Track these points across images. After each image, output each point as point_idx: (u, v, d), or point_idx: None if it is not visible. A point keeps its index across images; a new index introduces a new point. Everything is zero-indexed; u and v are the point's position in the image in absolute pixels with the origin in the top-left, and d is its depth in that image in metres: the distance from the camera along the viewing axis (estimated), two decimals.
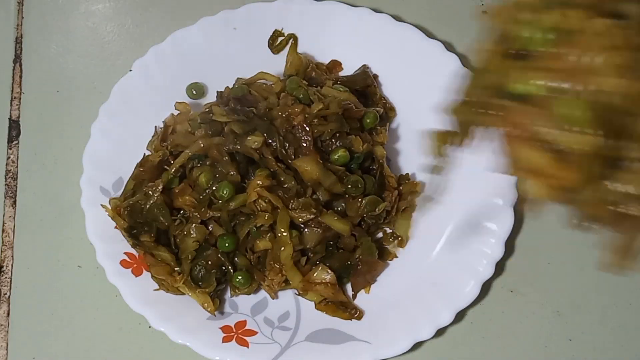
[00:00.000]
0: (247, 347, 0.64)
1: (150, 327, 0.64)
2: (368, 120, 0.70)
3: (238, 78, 0.73)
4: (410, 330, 0.64)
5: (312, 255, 0.66)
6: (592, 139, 0.40)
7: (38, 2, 0.83)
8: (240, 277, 0.65)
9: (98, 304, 0.68)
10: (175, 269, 0.65)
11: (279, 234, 0.64)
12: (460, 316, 0.66)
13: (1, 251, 0.70)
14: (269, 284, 0.66)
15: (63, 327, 0.67)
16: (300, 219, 0.64)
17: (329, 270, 0.65)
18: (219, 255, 0.65)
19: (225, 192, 0.65)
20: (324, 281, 0.65)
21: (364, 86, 0.74)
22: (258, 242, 0.65)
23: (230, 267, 0.65)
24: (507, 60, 0.43)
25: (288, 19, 0.76)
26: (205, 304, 0.64)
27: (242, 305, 0.67)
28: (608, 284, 0.70)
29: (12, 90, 0.78)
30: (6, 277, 0.69)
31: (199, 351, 0.63)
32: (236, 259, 0.66)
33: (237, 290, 0.66)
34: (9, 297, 0.68)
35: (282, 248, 0.64)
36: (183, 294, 0.65)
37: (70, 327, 0.67)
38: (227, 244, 0.65)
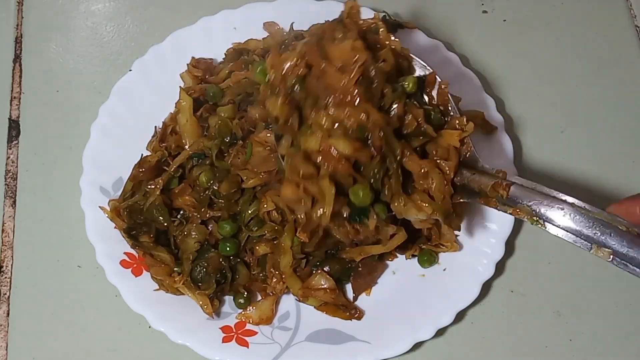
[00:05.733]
0: (247, 347, 0.64)
1: (150, 327, 0.64)
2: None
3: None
4: (410, 330, 0.64)
5: (312, 257, 0.66)
6: None
7: (38, 2, 0.83)
8: (241, 301, 0.66)
9: (98, 304, 0.68)
10: (175, 269, 0.65)
11: (282, 243, 0.64)
12: (460, 316, 0.66)
13: (1, 251, 0.70)
14: (272, 291, 0.66)
15: (63, 327, 0.67)
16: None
17: (327, 277, 0.65)
18: (220, 260, 0.65)
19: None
20: (323, 287, 0.65)
21: None
22: (258, 247, 0.65)
23: (230, 274, 0.65)
24: None
25: (288, 18, 0.76)
26: (205, 306, 0.64)
27: None
28: (608, 284, 0.70)
29: (12, 90, 0.78)
30: (6, 277, 0.69)
31: (199, 351, 0.63)
32: (237, 265, 0.66)
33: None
34: (8, 297, 0.68)
35: (282, 256, 0.64)
36: (183, 294, 0.65)
37: (70, 327, 0.67)
38: (228, 248, 0.65)
